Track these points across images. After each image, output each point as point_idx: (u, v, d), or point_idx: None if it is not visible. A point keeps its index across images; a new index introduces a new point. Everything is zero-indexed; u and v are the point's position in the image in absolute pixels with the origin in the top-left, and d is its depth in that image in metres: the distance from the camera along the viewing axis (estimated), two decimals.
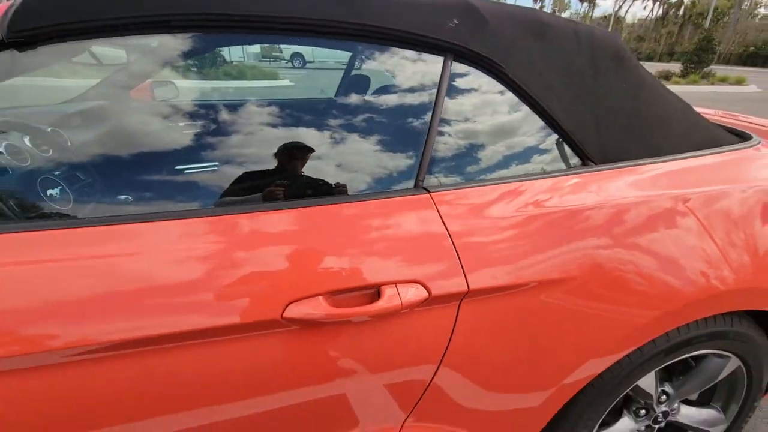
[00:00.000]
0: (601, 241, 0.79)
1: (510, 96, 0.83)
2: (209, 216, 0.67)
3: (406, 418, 0.84)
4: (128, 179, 0.83)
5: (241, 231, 0.67)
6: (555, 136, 0.87)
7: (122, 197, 0.85)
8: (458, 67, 0.80)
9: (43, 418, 0.59)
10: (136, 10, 0.64)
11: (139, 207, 0.81)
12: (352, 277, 0.68)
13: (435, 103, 0.79)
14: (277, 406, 0.71)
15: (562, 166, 0.89)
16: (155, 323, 0.59)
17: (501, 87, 0.82)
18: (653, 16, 69.64)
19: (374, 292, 0.69)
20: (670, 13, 65.42)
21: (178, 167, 0.87)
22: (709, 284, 0.84)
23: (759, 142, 1.06)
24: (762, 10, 58.61)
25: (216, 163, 0.84)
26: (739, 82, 14.70)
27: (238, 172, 0.80)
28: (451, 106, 0.81)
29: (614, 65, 0.91)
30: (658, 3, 68.83)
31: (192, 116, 1.01)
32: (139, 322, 0.59)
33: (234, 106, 0.96)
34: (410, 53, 0.79)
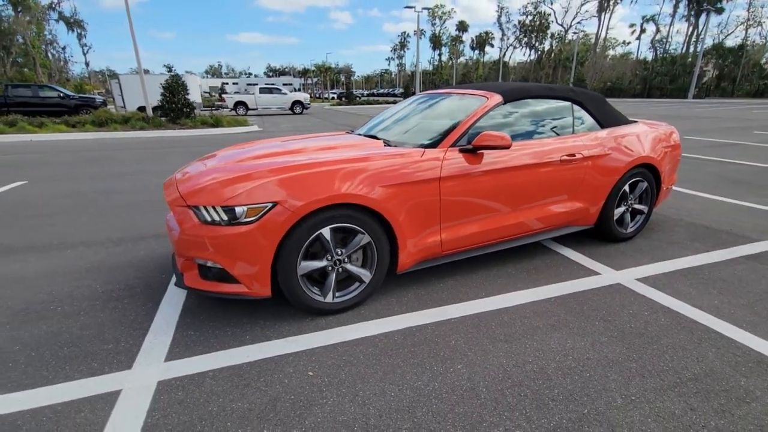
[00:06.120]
0: (612, 144, 3.28)
1: (584, 113, 3.33)
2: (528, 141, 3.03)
3: (570, 198, 3.20)
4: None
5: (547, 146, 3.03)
6: (594, 122, 3.36)
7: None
8: (575, 106, 3.28)
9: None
10: (527, 95, 3.06)
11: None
12: (570, 152, 3.06)
13: (572, 112, 3.26)
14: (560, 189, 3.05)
15: (597, 128, 3.38)
16: (524, 158, 2.92)
17: (582, 110, 3.31)
18: (531, 60, 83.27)
19: (573, 155, 3.07)
20: (544, 58, 79.01)
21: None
22: (637, 156, 3.36)
23: (637, 122, 3.69)
24: (611, 52, 74.03)
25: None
26: None
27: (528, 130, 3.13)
28: (575, 113, 3.28)
29: (602, 101, 3.46)
30: (533, 50, 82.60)
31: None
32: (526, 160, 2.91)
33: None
34: (565, 102, 3.27)
